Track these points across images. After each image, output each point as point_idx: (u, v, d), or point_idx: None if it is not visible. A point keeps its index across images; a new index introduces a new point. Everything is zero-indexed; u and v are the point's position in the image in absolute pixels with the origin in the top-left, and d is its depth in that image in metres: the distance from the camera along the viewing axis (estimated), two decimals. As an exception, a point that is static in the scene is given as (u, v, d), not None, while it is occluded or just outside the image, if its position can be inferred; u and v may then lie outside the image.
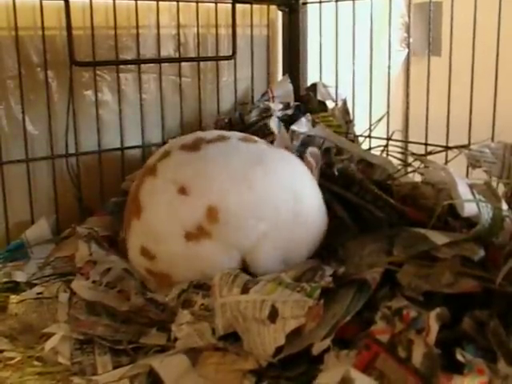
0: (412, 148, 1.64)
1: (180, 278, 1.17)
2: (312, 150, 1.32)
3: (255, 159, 1.20)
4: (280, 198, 1.19)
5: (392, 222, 1.25)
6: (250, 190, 1.16)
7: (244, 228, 1.16)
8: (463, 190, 1.10)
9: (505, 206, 1.13)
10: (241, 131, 1.59)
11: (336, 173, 1.37)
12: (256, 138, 1.29)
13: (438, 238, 1.06)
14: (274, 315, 0.95)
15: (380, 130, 1.69)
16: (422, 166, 1.41)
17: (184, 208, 1.15)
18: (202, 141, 1.23)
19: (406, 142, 1.73)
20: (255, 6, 1.85)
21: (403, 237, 1.14)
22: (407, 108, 1.77)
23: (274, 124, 1.57)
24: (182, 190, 1.15)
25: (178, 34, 1.72)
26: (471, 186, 1.13)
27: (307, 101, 1.84)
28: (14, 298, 1.21)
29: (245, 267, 1.18)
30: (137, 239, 1.21)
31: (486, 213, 1.08)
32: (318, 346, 0.90)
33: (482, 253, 1.01)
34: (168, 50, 1.73)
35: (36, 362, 1.02)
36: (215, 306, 1.03)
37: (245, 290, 1.02)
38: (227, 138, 1.25)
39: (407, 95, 1.78)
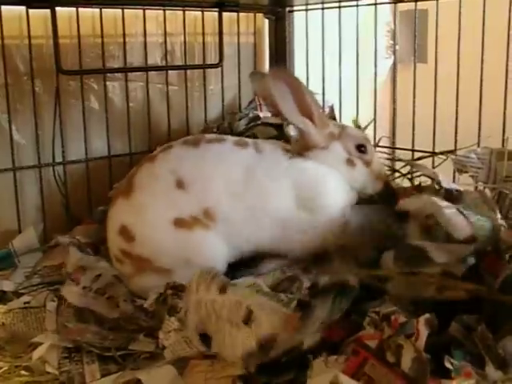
0: (399, 154, 1.65)
1: (161, 264, 1.19)
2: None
3: (243, 166, 1.23)
4: (259, 204, 1.21)
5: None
6: (240, 198, 1.20)
7: (235, 232, 1.21)
8: (450, 212, 1.09)
9: (498, 214, 1.12)
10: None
11: None
12: (248, 141, 1.30)
13: (438, 255, 1.04)
14: (249, 317, 0.96)
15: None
16: (413, 169, 1.41)
17: (181, 202, 1.19)
18: (202, 139, 1.28)
19: (393, 148, 1.73)
20: (242, 14, 1.86)
21: (403, 250, 1.12)
22: (394, 114, 1.78)
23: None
24: (180, 184, 1.19)
25: (165, 42, 1.72)
26: (457, 207, 1.11)
27: (295, 108, 1.84)
28: (1, 308, 1.20)
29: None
30: (119, 217, 1.23)
31: (481, 227, 1.06)
32: (309, 339, 0.91)
33: (472, 261, 1.00)
34: (155, 59, 1.73)
35: (23, 372, 1.02)
36: (190, 302, 1.03)
37: (222, 289, 1.02)
38: (223, 140, 1.29)
39: (394, 102, 1.79)
